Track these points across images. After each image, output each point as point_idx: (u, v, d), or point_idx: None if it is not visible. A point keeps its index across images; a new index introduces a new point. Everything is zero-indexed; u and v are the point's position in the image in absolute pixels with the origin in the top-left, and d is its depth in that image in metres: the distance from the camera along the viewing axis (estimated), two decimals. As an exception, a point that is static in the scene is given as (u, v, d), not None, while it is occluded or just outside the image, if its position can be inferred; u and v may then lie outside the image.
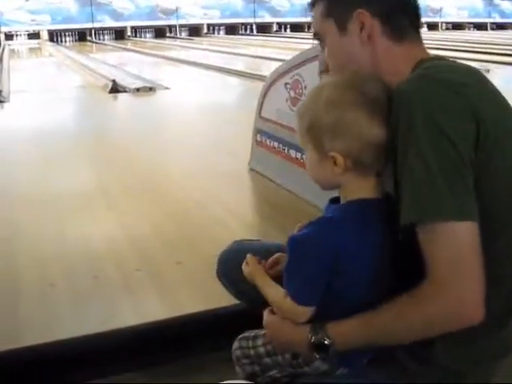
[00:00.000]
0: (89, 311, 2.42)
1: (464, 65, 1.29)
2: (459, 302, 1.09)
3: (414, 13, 1.35)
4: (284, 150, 3.81)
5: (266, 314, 1.36)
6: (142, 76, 10.34)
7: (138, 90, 8.74)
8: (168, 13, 24.54)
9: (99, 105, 8.30)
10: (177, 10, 24.51)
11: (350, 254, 1.20)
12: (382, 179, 1.26)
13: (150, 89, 8.87)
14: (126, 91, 8.78)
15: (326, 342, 1.21)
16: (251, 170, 4.27)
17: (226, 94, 9.30)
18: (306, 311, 1.25)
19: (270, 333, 1.36)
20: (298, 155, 3.58)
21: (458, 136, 1.10)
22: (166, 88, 9.14)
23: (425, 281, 1.12)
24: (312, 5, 1.39)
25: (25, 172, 4.50)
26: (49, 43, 21.85)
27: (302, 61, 3.57)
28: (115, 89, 8.76)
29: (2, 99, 8.31)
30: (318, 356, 1.24)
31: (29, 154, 5.07)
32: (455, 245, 1.09)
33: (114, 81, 8.94)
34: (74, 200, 3.74)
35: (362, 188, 1.24)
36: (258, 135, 4.19)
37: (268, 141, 4.03)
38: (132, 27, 24.23)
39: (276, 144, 3.92)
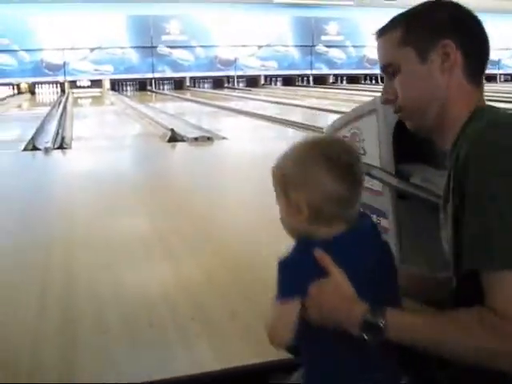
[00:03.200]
0: (143, 358, 2.43)
1: None
2: None
3: (486, 57, 1.34)
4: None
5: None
6: (200, 125, 10.49)
7: (195, 139, 8.83)
8: (226, 64, 25.07)
9: (158, 153, 8.45)
10: (235, 61, 25.02)
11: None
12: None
13: (208, 138, 8.95)
14: (184, 140, 8.89)
15: (380, 324, 1.17)
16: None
17: (282, 145, 9.29)
18: (287, 307, 1.26)
19: (321, 296, 1.25)
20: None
21: None
22: (224, 138, 9.21)
23: (488, 308, 1.11)
24: (383, 32, 1.37)
25: (84, 217, 4.60)
26: (111, 92, 22.51)
27: (359, 114, 3.57)
28: (174, 138, 8.89)
29: (65, 145, 8.57)
30: (365, 337, 1.19)
31: (88, 200, 5.19)
32: None
33: (172, 130, 9.10)
34: (131, 247, 3.80)
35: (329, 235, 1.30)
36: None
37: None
38: (191, 78, 24.82)
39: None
